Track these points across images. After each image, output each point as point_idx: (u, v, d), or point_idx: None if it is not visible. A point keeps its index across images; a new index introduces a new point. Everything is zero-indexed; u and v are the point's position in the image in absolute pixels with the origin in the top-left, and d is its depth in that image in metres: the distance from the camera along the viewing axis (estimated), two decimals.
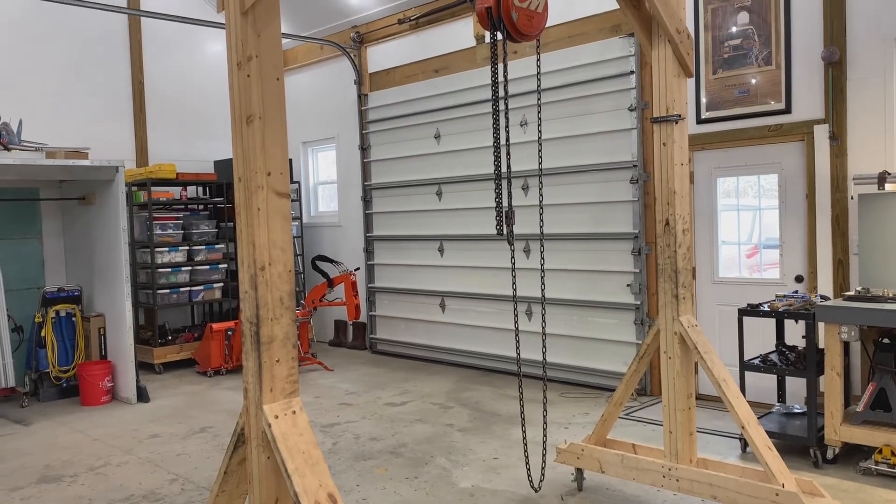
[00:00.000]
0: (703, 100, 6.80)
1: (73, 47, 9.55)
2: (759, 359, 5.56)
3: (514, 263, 3.62)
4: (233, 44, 2.67)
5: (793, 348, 5.64)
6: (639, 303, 7.25)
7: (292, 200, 10.78)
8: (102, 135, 9.65)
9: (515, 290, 3.77)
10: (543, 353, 3.88)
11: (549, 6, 3.47)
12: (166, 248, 9.26)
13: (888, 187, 5.32)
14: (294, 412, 2.74)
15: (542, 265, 3.89)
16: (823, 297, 5.63)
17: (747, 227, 6.95)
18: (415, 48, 9.39)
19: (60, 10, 9.19)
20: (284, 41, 10.67)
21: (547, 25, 7.77)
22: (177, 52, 10.52)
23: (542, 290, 3.83)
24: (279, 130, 2.73)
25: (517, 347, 3.69)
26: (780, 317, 5.35)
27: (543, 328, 3.88)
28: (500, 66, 3.49)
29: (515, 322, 3.50)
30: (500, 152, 3.51)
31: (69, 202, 8.57)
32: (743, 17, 6.56)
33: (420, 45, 9.32)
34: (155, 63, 10.31)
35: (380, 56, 9.89)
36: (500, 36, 3.43)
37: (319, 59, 10.65)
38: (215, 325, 8.93)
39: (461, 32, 8.79)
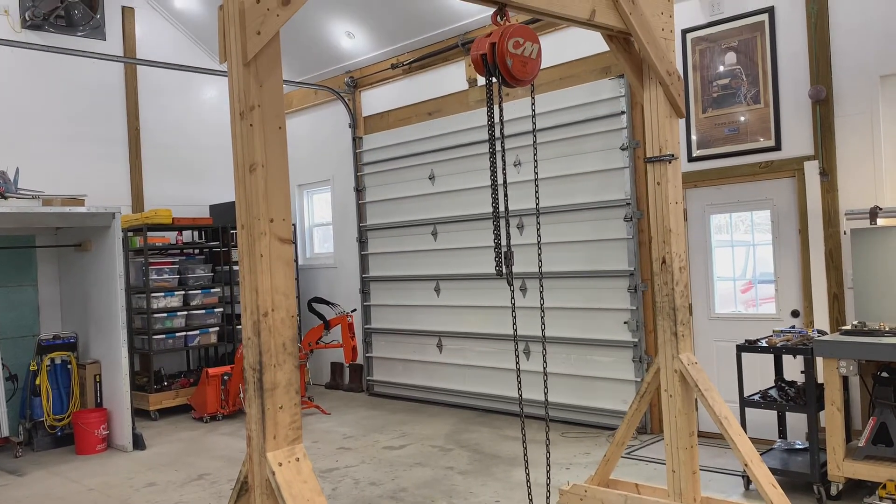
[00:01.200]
0: (694, 138, 6.90)
1: (70, 95, 9.65)
2: (759, 395, 5.56)
3: (514, 303, 3.64)
4: (235, 94, 2.72)
5: (792, 383, 5.64)
6: (636, 340, 7.26)
7: None
8: (99, 181, 9.70)
9: (516, 329, 3.78)
10: (545, 393, 3.88)
11: (542, 52, 3.55)
12: (162, 293, 9.24)
13: (880, 222, 5.39)
14: (298, 459, 2.72)
15: (541, 304, 3.91)
16: (820, 332, 5.65)
17: (742, 262, 7.01)
18: (408, 92, 9.52)
19: (57, 59, 9.30)
20: None
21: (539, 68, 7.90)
22: (172, 98, 10.64)
23: (543, 329, 3.85)
24: (281, 178, 2.77)
25: (519, 387, 3.69)
26: (778, 352, 5.36)
27: (545, 367, 3.88)
28: (496, 108, 3.55)
29: (517, 361, 3.51)
30: (497, 193, 3.55)
31: (65, 249, 8.58)
32: (730, 57, 6.70)
33: (413, 89, 9.45)
34: (151, 110, 10.42)
35: (374, 99, 10.02)
36: (494, 81, 3.50)
37: (315, 104, 10.78)
38: (211, 370, 8.87)
39: (454, 76, 8.92)
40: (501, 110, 3.50)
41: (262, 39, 2.67)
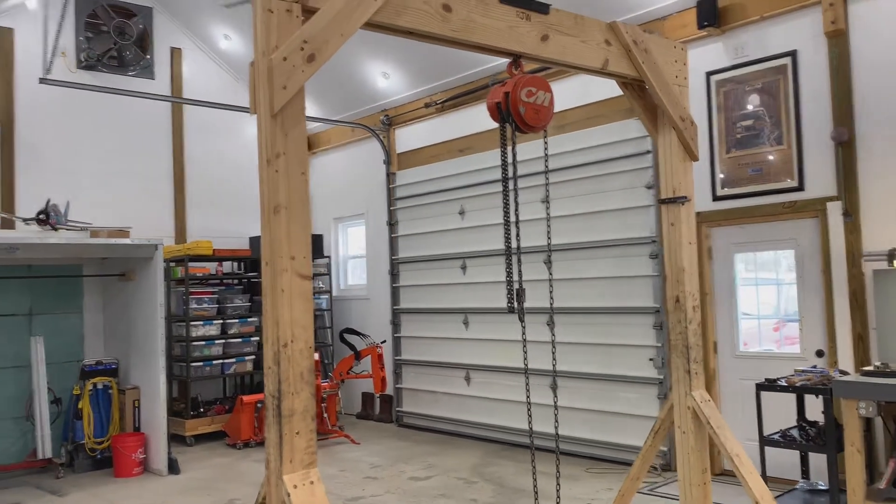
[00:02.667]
0: (719, 178, 7.00)
1: (120, 131, 10.15)
2: (780, 434, 5.58)
3: (525, 338, 3.79)
4: (263, 142, 2.96)
5: (813, 423, 5.65)
6: (661, 377, 7.30)
7: (323, 274, 11.11)
8: (144, 213, 10.13)
9: (527, 364, 3.93)
10: (556, 427, 4.01)
11: (554, 101, 3.74)
12: (201, 322, 9.57)
13: None
14: (312, 482, 2.90)
15: (552, 340, 4.06)
16: (843, 372, 5.66)
17: (772, 300, 7.02)
18: (440, 129, 9.80)
19: (108, 97, 9.80)
20: (318, 124, 11.20)
21: (565, 108, 8.12)
22: (215, 134, 11.09)
23: (554, 364, 3.99)
24: (303, 219, 2.99)
25: (529, 421, 3.83)
26: (797, 392, 5.39)
27: (555, 401, 4.01)
28: (510, 153, 3.74)
29: (527, 395, 3.65)
30: (510, 231, 3.73)
31: (110, 278, 8.96)
32: (754, 98, 6.82)
33: (445, 127, 9.73)
34: (195, 145, 10.88)
35: (407, 137, 10.32)
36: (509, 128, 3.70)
37: (351, 141, 11.13)
38: (246, 398, 9.12)
39: (484, 114, 9.05)
40: (515, 155, 3.69)
41: (287, 93, 2.91)
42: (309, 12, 3.03)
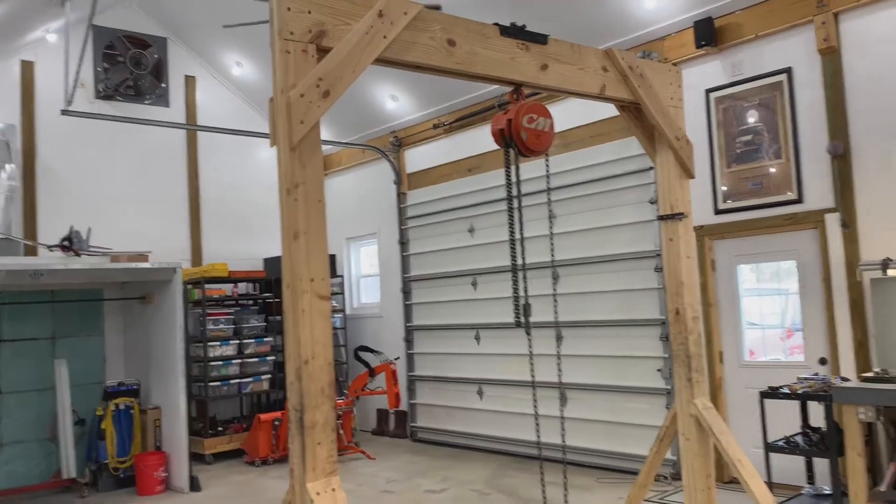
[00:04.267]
0: (721, 191, 7.18)
1: (137, 158, 10.46)
2: (784, 440, 5.73)
3: (531, 352, 3.98)
4: (283, 173, 3.19)
5: (816, 429, 5.80)
6: (669, 387, 7.46)
7: (336, 293, 11.33)
8: (162, 237, 10.41)
9: (534, 377, 4.12)
10: (563, 436, 4.19)
11: (554, 126, 3.96)
12: (218, 342, 9.80)
13: (891, 273, 5.58)
14: (334, 489, 3.10)
15: (558, 353, 4.24)
16: (844, 379, 5.81)
17: (777, 310, 7.16)
18: (449, 150, 10.04)
19: (126, 125, 10.11)
20: (330, 146, 11.47)
21: (570, 128, 8.34)
22: (229, 159, 11.39)
23: (559, 376, 4.17)
24: (321, 244, 3.21)
25: (537, 432, 4.01)
26: (799, 399, 5.55)
27: (562, 412, 4.19)
28: (513, 176, 3.95)
29: (535, 407, 3.84)
30: (515, 248, 3.94)
31: (130, 301, 9.22)
32: (752, 114, 7.02)
33: (454, 147, 9.97)
34: (210, 170, 11.18)
35: (417, 157, 10.58)
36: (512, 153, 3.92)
37: (362, 162, 11.40)
38: (263, 416, 9.32)
39: (491, 135, 9.39)
40: (518, 179, 3.91)
41: (305, 127, 3.14)
42: (323, 51, 3.27)
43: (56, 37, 9.65)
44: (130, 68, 10.44)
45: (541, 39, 3.96)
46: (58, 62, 9.01)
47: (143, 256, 8.31)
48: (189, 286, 10.01)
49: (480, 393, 9.48)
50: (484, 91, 9.16)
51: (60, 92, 8.75)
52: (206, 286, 9.84)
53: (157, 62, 10.77)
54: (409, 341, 10.54)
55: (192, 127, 10.48)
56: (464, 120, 9.65)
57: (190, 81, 11.12)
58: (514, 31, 3.86)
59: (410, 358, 10.51)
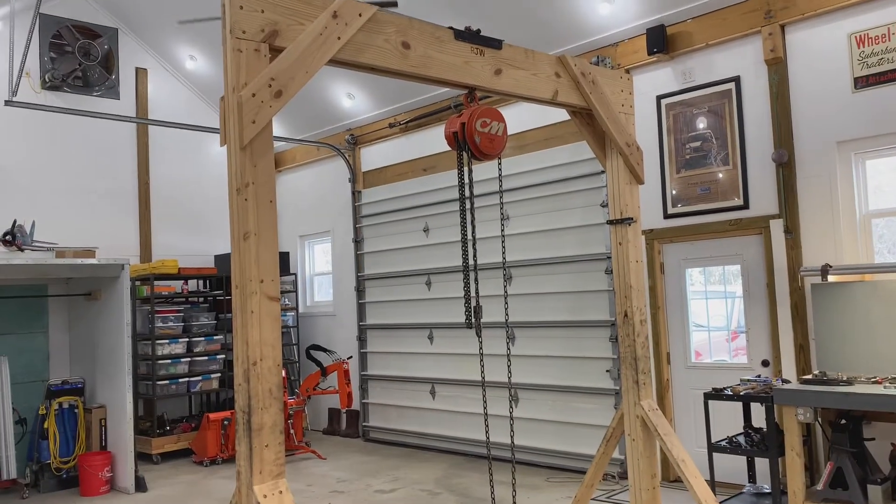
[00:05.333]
0: (671, 196, 7.33)
1: (85, 151, 10.21)
2: (727, 440, 5.88)
3: (482, 353, 4.02)
4: (233, 172, 3.16)
5: (758, 430, 5.96)
6: (618, 388, 7.58)
7: (289, 291, 11.24)
8: (109, 232, 10.19)
9: (484, 377, 4.15)
10: (511, 437, 4.24)
11: (507, 130, 4.00)
12: (167, 340, 9.63)
13: (830, 278, 5.77)
14: (281, 492, 3.09)
15: (507, 353, 4.28)
16: (785, 381, 5.98)
17: (726, 312, 7.34)
18: (405, 149, 10.04)
19: (73, 117, 9.87)
20: (284, 143, 11.37)
21: (525, 130, 8.41)
22: (181, 154, 11.20)
23: (509, 377, 4.21)
24: (271, 244, 3.19)
25: (486, 431, 4.05)
26: (742, 400, 5.70)
27: (511, 412, 4.24)
28: (466, 178, 3.98)
29: (485, 408, 3.87)
30: (467, 250, 3.96)
31: (76, 297, 9.00)
32: (701, 121, 7.17)
33: (410, 146, 9.97)
34: (160, 164, 10.97)
35: (372, 156, 10.55)
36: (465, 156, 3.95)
37: (317, 159, 11.32)
38: (212, 415, 9.20)
39: None
40: (471, 180, 3.94)
41: (256, 127, 3.12)
42: (276, 51, 3.25)
43: (1, 24, 9.36)
44: (79, 59, 10.17)
45: (495, 44, 3.99)
46: (2, 51, 8.75)
47: (89, 252, 8.12)
48: (138, 283, 9.82)
49: (433, 393, 9.51)
50: (440, 92, 9.17)
51: (4, 82, 8.50)
52: (156, 283, 9.66)
53: (108, 53, 10.52)
54: (362, 340, 10.51)
55: (142, 121, 10.27)
56: (420, 119, 9.66)
57: (141, 74, 10.89)
58: (469, 36, 3.88)
59: (363, 357, 10.48)
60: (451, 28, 3.88)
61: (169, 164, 11.07)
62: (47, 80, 9.87)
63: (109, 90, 10.53)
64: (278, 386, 3.15)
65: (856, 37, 6.13)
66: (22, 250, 7.80)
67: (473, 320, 3.95)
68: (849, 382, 5.35)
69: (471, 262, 3.83)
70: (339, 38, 3.37)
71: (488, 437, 4.12)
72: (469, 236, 3.96)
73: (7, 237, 7.81)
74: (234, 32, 3.12)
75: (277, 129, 11.20)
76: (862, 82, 6.11)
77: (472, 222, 3.94)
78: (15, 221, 7.94)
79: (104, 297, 8.46)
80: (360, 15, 3.45)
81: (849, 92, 6.16)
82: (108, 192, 10.41)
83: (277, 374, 3.15)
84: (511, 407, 4.30)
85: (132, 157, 10.74)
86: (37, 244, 8.01)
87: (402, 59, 3.65)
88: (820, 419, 5.56)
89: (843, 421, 5.37)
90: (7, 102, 8.04)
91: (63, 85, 10.03)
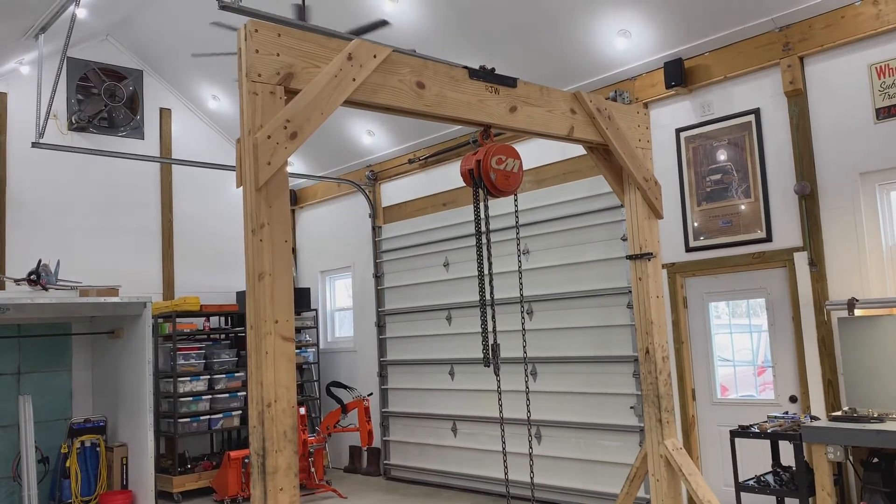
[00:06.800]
0: (694, 228, 7.25)
1: (110, 190, 10.37)
2: (755, 479, 5.72)
3: (500, 390, 3.96)
4: (248, 213, 3.17)
5: (787, 468, 5.80)
6: (642, 425, 7.43)
7: (310, 327, 11.23)
8: (132, 270, 10.30)
9: (502, 415, 4.08)
10: (531, 476, 4.15)
11: (522, 167, 3.99)
12: (188, 378, 9.65)
13: (857, 312, 5.64)
14: None
15: (526, 390, 4.21)
16: (814, 417, 5.83)
17: (751, 346, 7.20)
18: (424, 184, 10.08)
19: (99, 157, 10.04)
20: (305, 179, 11.47)
21: (544, 164, 8.42)
22: (204, 192, 11.34)
23: (528, 414, 4.14)
24: (286, 284, 3.18)
25: (505, 469, 3.97)
26: (769, 438, 5.55)
27: (530, 451, 4.16)
28: (483, 215, 3.96)
29: (503, 444, 3.80)
30: (484, 287, 3.93)
31: (99, 335, 9.07)
32: (722, 153, 7.12)
33: (429, 182, 10.01)
34: (184, 202, 11.11)
35: (392, 191, 10.60)
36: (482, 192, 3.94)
37: (337, 195, 11.40)
38: (233, 453, 9.16)
39: None
40: (487, 217, 3.92)
41: (272, 169, 3.13)
42: (291, 93, 3.28)
43: (29, 68, 9.60)
44: (105, 100, 10.39)
45: (510, 83, 4.00)
46: (30, 94, 8.96)
47: (112, 291, 8.20)
48: (160, 320, 9.88)
49: (454, 430, 9.40)
50: (459, 127, 9.20)
51: (33, 123, 8.69)
52: (178, 320, 9.71)
53: (132, 94, 10.74)
54: (382, 376, 10.45)
55: (165, 160, 10.43)
56: (439, 155, 9.70)
57: (165, 114, 11.09)
58: (484, 75, 3.90)
59: (384, 393, 10.41)
60: (465, 67, 3.90)
61: (192, 202, 11.21)
62: (74, 121, 10.08)
63: (134, 130, 10.73)
64: (293, 428, 3.12)
65: (876, 67, 6.08)
66: (47, 289, 7.89)
67: (491, 358, 3.90)
68: (880, 419, 5.20)
69: (487, 297, 3.79)
70: (353, 80, 3.40)
71: (507, 476, 4.04)
72: (485, 272, 3.93)
73: (32, 276, 7.91)
74: (249, 76, 3.16)
75: (299, 166, 11.32)
76: (884, 113, 6.04)
77: (489, 259, 3.92)
78: (40, 261, 8.05)
79: (127, 334, 8.51)
80: (374, 56, 3.48)
81: (871, 123, 6.09)
82: (132, 231, 10.55)
83: (292, 416, 3.12)
84: (531, 445, 4.22)
85: (156, 196, 10.89)
86: (61, 283, 8.10)
87: (417, 98, 3.67)
88: (851, 457, 5.39)
89: (875, 459, 5.21)
90: (34, 144, 8.20)
91: (89, 126, 10.23)
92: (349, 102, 3.46)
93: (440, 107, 3.74)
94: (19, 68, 9.65)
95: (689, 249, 7.26)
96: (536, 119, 4.14)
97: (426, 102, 3.70)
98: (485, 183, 3.88)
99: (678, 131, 7.38)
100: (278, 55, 3.23)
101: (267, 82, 3.19)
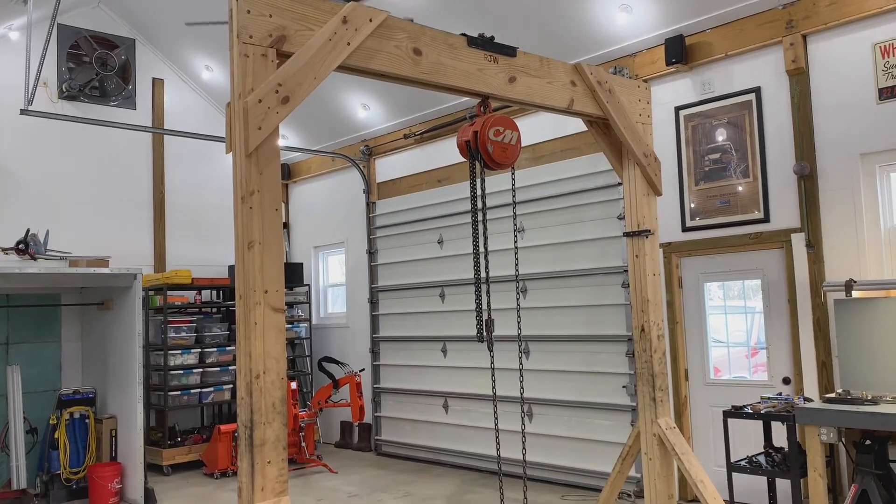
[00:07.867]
0: (689, 209, 7.19)
1: (100, 160, 10.23)
2: (747, 460, 5.71)
3: (493, 367, 3.91)
4: (238, 180, 3.08)
5: (779, 450, 5.78)
6: (634, 404, 7.42)
7: (302, 302, 11.17)
8: (124, 242, 10.19)
9: (495, 392, 4.04)
10: (523, 454, 4.11)
11: (521, 139, 3.90)
12: (179, 351, 9.58)
13: (855, 294, 5.60)
14: None
15: (520, 368, 4.16)
16: (807, 399, 5.81)
17: (745, 328, 7.16)
18: (419, 160, 9.97)
19: (89, 127, 9.89)
20: (299, 153, 11.34)
21: (540, 141, 8.32)
22: (197, 164, 11.20)
23: (521, 392, 4.09)
24: (276, 254, 3.10)
25: (497, 449, 3.93)
26: (762, 419, 5.53)
27: (523, 428, 4.12)
28: (479, 188, 3.88)
29: (496, 423, 3.75)
30: (479, 263, 3.86)
31: (88, 307, 8.97)
32: (721, 133, 7.04)
33: (424, 158, 9.90)
34: (176, 174, 10.97)
35: (387, 167, 10.48)
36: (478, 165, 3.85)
37: (331, 170, 11.27)
38: (223, 427, 9.12)
39: None
40: (484, 192, 3.84)
41: (262, 134, 3.04)
42: (283, 56, 3.18)
43: (18, 34, 9.41)
44: (96, 69, 10.22)
45: (509, 52, 3.90)
46: (20, 61, 8.79)
47: (102, 261, 8.09)
48: (151, 293, 9.79)
49: (446, 407, 9.38)
50: (456, 102, 9.11)
51: (22, 91, 8.53)
52: (169, 293, 9.63)
53: (124, 63, 10.56)
54: (375, 352, 10.41)
55: (158, 130, 10.28)
56: (435, 130, 9.59)
57: (157, 84, 10.92)
58: (482, 43, 3.80)
59: (376, 369, 10.38)
60: (464, 35, 3.79)
61: (184, 173, 11.08)
62: (64, 90, 9.90)
63: (126, 100, 10.56)
64: (282, 400, 3.06)
65: (880, 47, 5.99)
66: (35, 259, 7.78)
67: (485, 334, 3.84)
68: (874, 402, 5.18)
69: (483, 274, 3.71)
70: (348, 44, 3.29)
71: (499, 453, 4.00)
72: (481, 248, 3.86)
73: (20, 246, 7.80)
74: (241, 37, 3.06)
75: (292, 140, 11.18)
76: (886, 93, 5.96)
77: (485, 234, 3.84)
78: (28, 230, 7.93)
79: (116, 306, 8.43)
80: (370, 20, 3.37)
81: (873, 103, 6.01)
82: (123, 202, 10.42)
83: (281, 388, 3.06)
84: (523, 422, 4.18)
85: (147, 167, 10.75)
86: (50, 253, 7.99)
87: (414, 65, 3.57)
88: (844, 439, 5.37)
89: (868, 441, 5.19)
90: (23, 111, 8.05)
91: (80, 95, 10.06)
92: (343, 67, 3.36)
93: (437, 75, 3.64)
94: (8, 34, 9.45)
95: (685, 229, 7.20)
96: (536, 90, 4.05)
97: (423, 70, 3.60)
98: (482, 155, 3.79)
99: (677, 109, 7.29)
100: (271, 16, 3.13)
101: (259, 44, 3.09)
